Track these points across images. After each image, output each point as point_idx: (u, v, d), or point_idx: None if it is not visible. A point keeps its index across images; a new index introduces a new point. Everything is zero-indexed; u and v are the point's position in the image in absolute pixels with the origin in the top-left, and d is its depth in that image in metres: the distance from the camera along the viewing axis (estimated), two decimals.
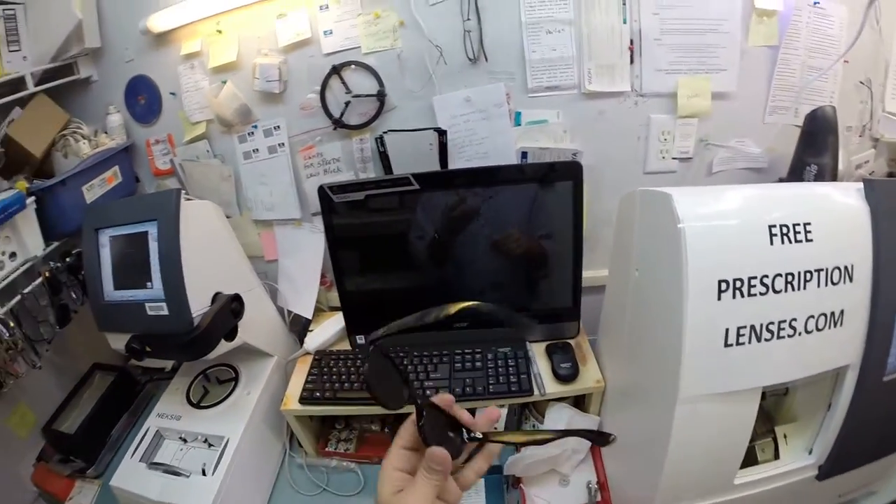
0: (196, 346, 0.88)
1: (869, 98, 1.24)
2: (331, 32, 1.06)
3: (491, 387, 0.99)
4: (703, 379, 0.69)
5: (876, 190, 0.73)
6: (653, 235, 0.77)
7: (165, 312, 0.86)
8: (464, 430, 0.48)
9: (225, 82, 1.11)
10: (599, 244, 1.14)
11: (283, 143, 1.14)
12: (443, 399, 0.49)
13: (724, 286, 0.66)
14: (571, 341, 1.09)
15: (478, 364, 1.04)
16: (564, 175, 0.99)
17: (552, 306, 1.09)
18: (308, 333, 1.18)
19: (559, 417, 1.01)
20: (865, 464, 0.86)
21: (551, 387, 1.00)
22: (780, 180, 1.14)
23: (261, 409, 1.04)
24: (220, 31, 1.09)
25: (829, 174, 1.05)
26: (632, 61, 1.06)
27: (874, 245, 0.72)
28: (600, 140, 1.11)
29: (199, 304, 0.87)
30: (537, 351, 1.08)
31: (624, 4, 1.02)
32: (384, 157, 1.10)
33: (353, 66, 1.07)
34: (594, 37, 1.03)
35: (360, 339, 1.14)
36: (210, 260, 0.95)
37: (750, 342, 0.68)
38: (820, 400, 0.82)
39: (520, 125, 1.09)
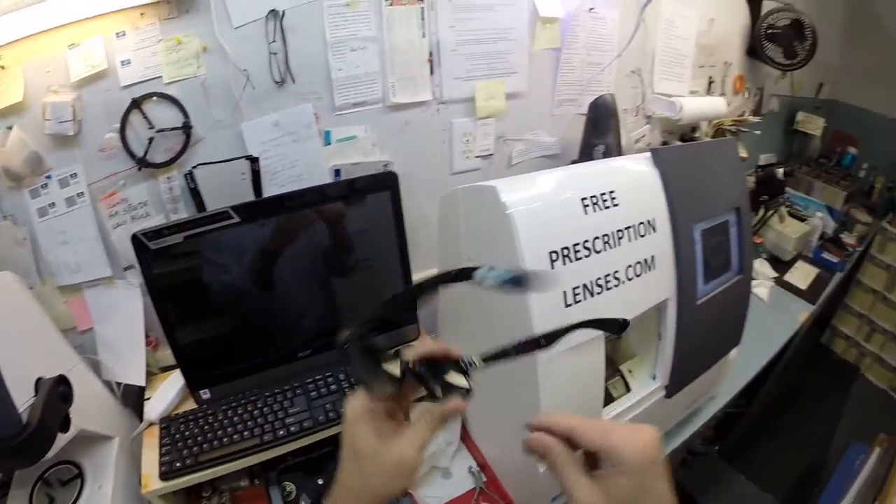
0: (33, 447, 0.72)
1: (640, 83, 1.47)
2: (129, 62, 0.95)
3: None
4: None
5: (661, 156, 0.89)
6: (482, 226, 0.84)
7: None
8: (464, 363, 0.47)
9: (10, 128, 0.93)
10: (420, 246, 1.17)
11: (82, 193, 1.00)
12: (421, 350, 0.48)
13: (554, 256, 0.75)
14: (415, 343, 1.12)
15: (332, 387, 1.02)
16: (381, 186, 1.01)
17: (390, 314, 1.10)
18: (146, 402, 1.04)
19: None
20: (700, 374, 1.02)
21: None
22: (573, 162, 1.30)
23: (119, 502, 0.90)
24: (2, 67, 0.91)
25: (614, 151, 1.23)
26: (432, 72, 1.13)
27: (667, 199, 0.87)
28: (408, 149, 1.16)
29: (22, 397, 0.71)
30: None
31: (423, 20, 1.09)
32: (196, 194, 1.02)
33: (154, 98, 0.97)
34: (396, 52, 1.08)
35: (205, 394, 1.03)
36: (20, 342, 0.81)
37: (586, 298, 0.78)
38: (650, 333, 0.95)
39: (330, 144, 1.10)
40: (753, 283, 1.70)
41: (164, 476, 0.91)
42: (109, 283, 1.08)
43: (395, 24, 1.06)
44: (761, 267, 1.77)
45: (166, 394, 1.04)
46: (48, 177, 0.99)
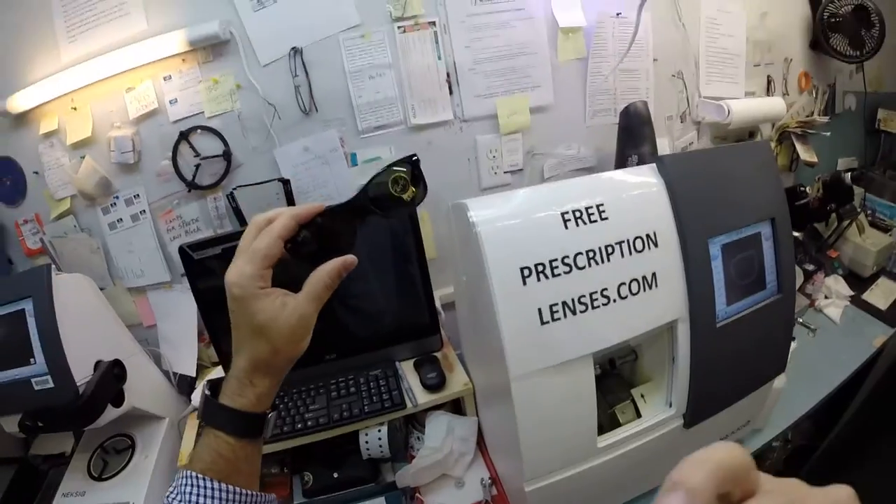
0: (85, 413, 0.90)
1: (684, 88, 1.39)
2: (176, 101, 1.11)
3: (366, 407, 1.05)
4: (529, 357, 0.75)
5: (666, 164, 0.83)
6: (464, 243, 0.84)
7: (51, 385, 0.89)
8: None
9: (83, 157, 1.14)
10: (449, 264, 1.19)
11: (144, 211, 1.18)
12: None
13: (526, 272, 0.73)
14: (438, 354, 1.15)
15: (352, 389, 1.09)
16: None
17: (414, 325, 1.16)
18: (194, 391, 1.19)
19: (438, 424, 1.07)
20: (729, 404, 0.93)
21: (422, 397, 1.06)
22: None
23: (160, 471, 1.06)
24: (74, 108, 1.13)
25: (649, 161, 1.17)
26: (451, 92, 1.16)
27: (674, 211, 0.81)
28: (434, 167, 1.17)
29: (82, 374, 0.90)
30: (406, 368, 1.14)
31: (437, 43, 1.13)
32: (237, 212, 1.15)
33: (198, 131, 1.13)
34: (413, 75, 1.13)
35: None
36: (88, 330, 0.98)
37: (566, 316, 0.75)
38: (665, 356, 0.89)
39: (356, 165, 1.17)
40: (824, 302, 1.54)
41: None
42: (168, 288, 1.25)
43: (409, 49, 1.11)
44: (835, 284, 1.58)
45: None
46: (116, 197, 1.18)
